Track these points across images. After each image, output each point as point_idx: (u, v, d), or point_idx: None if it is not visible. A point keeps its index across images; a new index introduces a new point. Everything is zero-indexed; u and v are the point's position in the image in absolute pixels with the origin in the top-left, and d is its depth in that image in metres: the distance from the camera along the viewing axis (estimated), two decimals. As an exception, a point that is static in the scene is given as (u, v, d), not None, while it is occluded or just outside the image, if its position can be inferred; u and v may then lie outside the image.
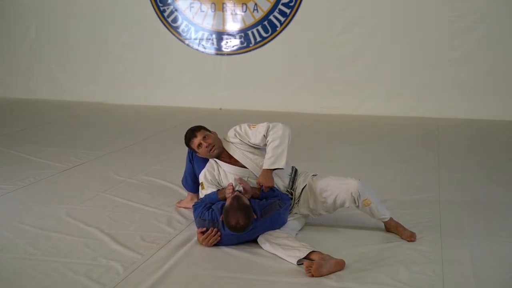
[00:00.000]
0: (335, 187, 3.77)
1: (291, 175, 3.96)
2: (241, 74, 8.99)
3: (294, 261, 3.36)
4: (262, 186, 3.78)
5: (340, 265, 3.30)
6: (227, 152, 3.96)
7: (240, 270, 3.33)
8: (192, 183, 4.21)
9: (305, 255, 3.35)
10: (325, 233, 3.89)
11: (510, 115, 8.08)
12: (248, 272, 3.31)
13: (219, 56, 9.05)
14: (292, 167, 4.03)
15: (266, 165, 3.80)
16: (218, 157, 3.94)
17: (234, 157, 3.93)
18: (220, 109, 8.93)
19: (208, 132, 3.98)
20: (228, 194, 3.61)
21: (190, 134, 3.99)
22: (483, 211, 4.34)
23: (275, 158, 3.81)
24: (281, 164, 3.80)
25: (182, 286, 3.16)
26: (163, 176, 5.12)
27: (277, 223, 3.67)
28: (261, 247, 3.59)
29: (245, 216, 3.47)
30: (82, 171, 5.40)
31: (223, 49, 9.02)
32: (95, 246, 3.63)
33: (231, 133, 4.01)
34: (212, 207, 3.66)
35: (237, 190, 3.68)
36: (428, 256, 3.50)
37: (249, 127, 3.96)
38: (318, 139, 6.95)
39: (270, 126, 3.91)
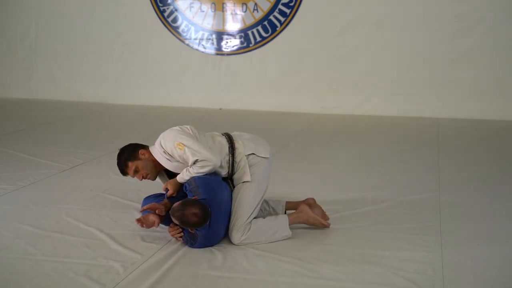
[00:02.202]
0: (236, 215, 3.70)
1: (228, 162, 3.79)
2: (241, 74, 8.98)
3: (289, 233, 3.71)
4: (167, 190, 3.77)
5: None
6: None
7: (240, 270, 3.33)
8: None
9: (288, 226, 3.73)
10: (325, 232, 3.90)
11: (510, 115, 8.07)
12: (248, 272, 3.31)
13: (219, 56, 9.05)
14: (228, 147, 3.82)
15: (179, 178, 3.73)
16: (157, 174, 3.90)
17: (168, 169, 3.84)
18: (220, 109, 8.93)
19: (136, 162, 3.81)
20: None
21: (122, 171, 3.90)
22: (483, 211, 4.34)
23: (184, 176, 3.71)
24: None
25: (182, 286, 3.16)
26: (163, 176, 5.12)
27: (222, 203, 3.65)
28: (258, 248, 3.60)
29: (192, 206, 3.45)
30: (82, 171, 5.40)
31: (223, 49, 9.02)
32: (95, 246, 3.63)
33: (157, 143, 3.80)
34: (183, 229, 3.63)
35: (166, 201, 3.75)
36: (428, 256, 3.50)
37: (175, 147, 3.67)
38: (318, 139, 6.95)
39: (199, 160, 3.64)
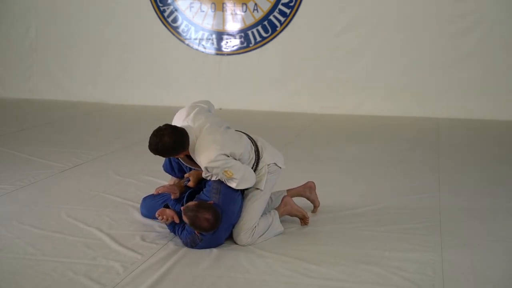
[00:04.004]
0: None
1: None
2: (241, 74, 8.98)
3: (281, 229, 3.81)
4: (188, 180, 3.80)
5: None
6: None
7: (240, 270, 3.34)
8: (177, 165, 4.03)
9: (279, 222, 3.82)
10: (324, 233, 3.90)
11: (510, 115, 8.07)
12: (248, 272, 3.31)
13: (219, 56, 9.05)
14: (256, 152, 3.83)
15: (204, 174, 3.69)
16: None
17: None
18: (220, 109, 8.92)
19: (171, 157, 3.81)
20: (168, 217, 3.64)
21: (153, 153, 3.69)
22: (483, 211, 4.34)
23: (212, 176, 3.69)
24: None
25: (182, 286, 3.16)
26: (163, 176, 5.10)
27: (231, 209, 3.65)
28: (258, 248, 3.60)
29: (207, 211, 3.46)
30: (82, 171, 5.40)
31: (223, 49, 9.02)
32: (95, 246, 3.63)
33: (200, 151, 3.61)
34: (186, 227, 3.62)
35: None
36: (428, 256, 3.51)
37: (223, 174, 3.58)
38: (318, 139, 6.95)
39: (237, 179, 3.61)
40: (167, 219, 3.63)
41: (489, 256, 3.53)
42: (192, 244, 3.58)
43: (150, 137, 3.59)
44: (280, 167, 3.90)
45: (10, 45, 9.74)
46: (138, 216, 4.15)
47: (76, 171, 5.38)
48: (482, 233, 3.90)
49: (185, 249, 3.58)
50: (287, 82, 8.81)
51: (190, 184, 3.81)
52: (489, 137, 7.14)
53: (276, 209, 3.95)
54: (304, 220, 3.98)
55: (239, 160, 3.65)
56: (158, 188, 3.89)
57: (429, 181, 5.11)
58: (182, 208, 3.56)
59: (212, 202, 3.57)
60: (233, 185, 3.61)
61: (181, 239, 3.64)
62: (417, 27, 8.27)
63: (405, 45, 8.34)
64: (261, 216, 3.80)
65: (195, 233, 3.54)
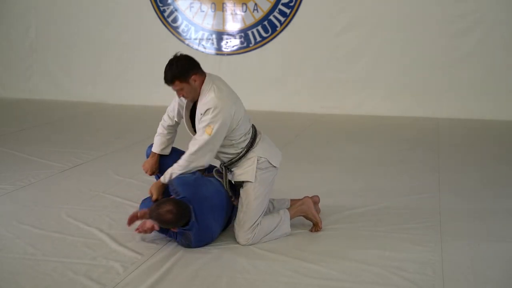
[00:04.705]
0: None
1: (238, 155, 3.79)
2: (241, 74, 8.97)
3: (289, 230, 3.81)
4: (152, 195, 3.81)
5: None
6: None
7: (240, 270, 3.34)
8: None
9: (289, 223, 3.82)
10: (324, 233, 3.89)
11: (510, 115, 8.07)
12: (248, 272, 3.31)
13: (219, 56, 9.05)
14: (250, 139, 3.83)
15: (162, 178, 3.77)
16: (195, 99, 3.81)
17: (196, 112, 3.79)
18: (220, 109, 8.93)
19: (184, 84, 3.72)
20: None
21: (166, 81, 3.80)
22: (483, 211, 4.34)
23: (171, 174, 3.73)
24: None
25: (182, 286, 3.16)
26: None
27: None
28: (258, 248, 3.60)
29: (166, 204, 3.46)
30: (82, 171, 5.40)
31: (223, 49, 9.02)
32: (95, 246, 3.63)
33: (214, 85, 3.72)
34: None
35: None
36: (428, 256, 3.51)
37: (209, 123, 3.63)
38: (317, 139, 6.95)
39: (194, 152, 3.67)
40: (146, 231, 3.60)
41: (489, 256, 3.53)
42: (186, 242, 3.57)
43: (165, 66, 3.77)
44: (275, 166, 3.84)
45: (10, 45, 9.74)
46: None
47: (76, 171, 5.38)
48: (482, 233, 3.90)
49: (185, 249, 3.58)
50: (287, 82, 8.81)
51: (154, 198, 3.78)
52: (489, 137, 7.13)
53: (290, 208, 3.93)
54: (316, 227, 3.91)
55: (234, 129, 3.68)
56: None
57: (429, 181, 5.11)
58: (148, 215, 3.58)
59: (173, 197, 3.59)
60: (194, 147, 3.63)
61: (177, 242, 3.63)
62: (417, 27, 8.27)
63: (405, 45, 8.34)
64: (268, 215, 3.80)
65: (184, 231, 3.54)
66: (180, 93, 3.78)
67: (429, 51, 8.27)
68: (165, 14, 9.09)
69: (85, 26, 9.41)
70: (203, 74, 3.77)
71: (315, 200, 4.06)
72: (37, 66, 9.70)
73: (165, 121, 4.10)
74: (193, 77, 3.71)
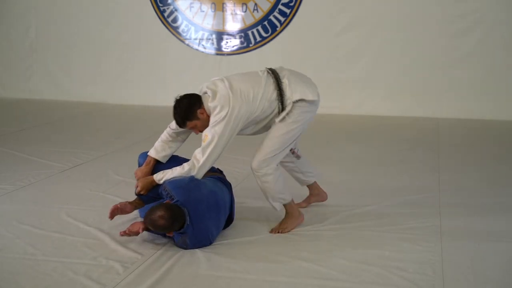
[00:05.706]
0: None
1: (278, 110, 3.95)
2: (241, 74, 8.97)
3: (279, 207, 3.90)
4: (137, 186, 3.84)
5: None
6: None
7: (240, 270, 3.33)
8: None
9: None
10: (324, 233, 3.89)
11: (510, 115, 8.07)
12: (248, 272, 3.31)
13: (219, 56, 9.05)
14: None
15: (155, 176, 3.80)
16: None
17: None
18: (220, 109, 8.93)
19: (194, 121, 3.80)
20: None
21: (179, 125, 3.88)
22: (483, 211, 4.34)
23: (165, 176, 3.77)
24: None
25: (182, 286, 3.16)
26: (163, 176, 5.12)
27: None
28: (258, 248, 3.60)
29: (157, 210, 3.46)
30: (82, 171, 5.40)
31: (223, 49, 9.02)
32: (95, 246, 3.63)
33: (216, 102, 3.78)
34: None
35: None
36: (428, 256, 3.51)
37: (208, 131, 3.73)
38: (317, 139, 6.95)
39: (196, 166, 3.72)
40: (130, 235, 3.59)
41: (489, 256, 3.53)
42: (184, 244, 3.57)
43: (172, 113, 3.84)
44: (313, 100, 4.06)
45: (10, 45, 9.74)
46: (138, 216, 4.15)
47: (76, 171, 5.38)
48: (482, 233, 3.90)
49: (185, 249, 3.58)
50: (287, 82, 8.79)
51: (138, 190, 3.81)
52: (489, 137, 7.13)
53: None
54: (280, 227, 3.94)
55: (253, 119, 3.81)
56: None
57: (429, 181, 5.11)
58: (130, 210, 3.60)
59: (168, 201, 3.57)
60: (185, 169, 3.69)
61: (176, 244, 3.63)
62: (417, 27, 8.27)
63: (405, 45, 8.34)
64: (284, 187, 3.90)
65: (180, 234, 3.54)
66: (196, 130, 3.88)
67: (429, 51, 8.27)
68: (165, 14, 9.09)
69: (85, 26, 9.41)
70: (202, 106, 3.82)
71: (323, 198, 4.38)
72: (37, 66, 9.70)
73: (171, 128, 4.03)
74: (199, 111, 3.79)
